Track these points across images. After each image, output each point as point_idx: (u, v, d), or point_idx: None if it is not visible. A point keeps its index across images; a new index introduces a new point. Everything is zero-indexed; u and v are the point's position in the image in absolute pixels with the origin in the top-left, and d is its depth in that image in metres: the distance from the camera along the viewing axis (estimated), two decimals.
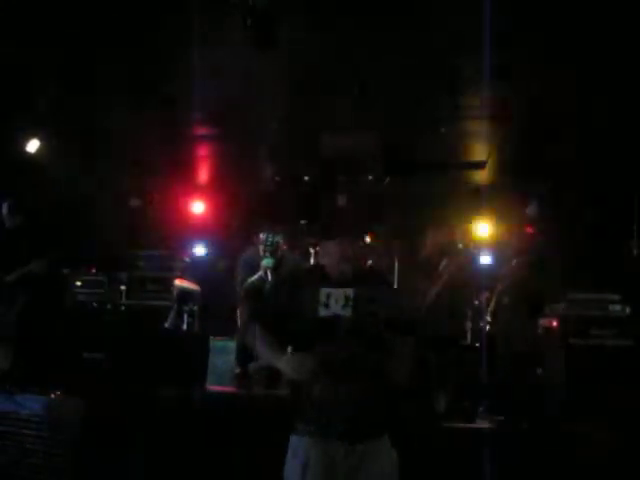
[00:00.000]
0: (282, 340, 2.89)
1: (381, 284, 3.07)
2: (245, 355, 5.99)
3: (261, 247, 5.99)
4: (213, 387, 5.94)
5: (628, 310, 5.84)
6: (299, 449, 2.76)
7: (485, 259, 8.56)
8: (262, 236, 6.00)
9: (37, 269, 6.21)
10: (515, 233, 7.77)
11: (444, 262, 6.57)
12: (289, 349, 2.86)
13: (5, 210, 6.36)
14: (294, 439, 2.81)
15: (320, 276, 2.93)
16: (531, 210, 7.77)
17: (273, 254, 5.92)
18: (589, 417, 4.86)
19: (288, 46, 5.48)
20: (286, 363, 2.78)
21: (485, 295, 6.79)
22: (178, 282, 7.64)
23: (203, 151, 8.98)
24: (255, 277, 5.95)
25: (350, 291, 2.80)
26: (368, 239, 6.38)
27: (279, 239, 6.02)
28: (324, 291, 2.81)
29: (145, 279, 7.62)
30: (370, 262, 6.62)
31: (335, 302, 2.78)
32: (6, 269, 6.13)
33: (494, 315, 6.64)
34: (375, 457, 2.71)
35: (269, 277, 5.83)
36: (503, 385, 5.72)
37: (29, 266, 6.17)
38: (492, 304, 6.67)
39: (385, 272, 6.95)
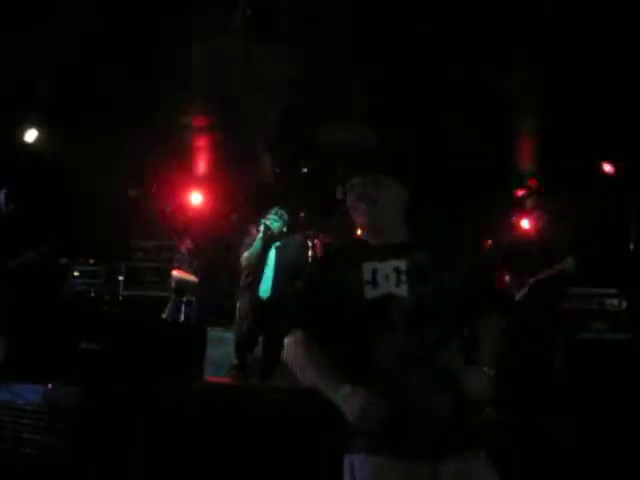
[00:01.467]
0: (330, 345, 2.21)
1: (449, 248, 2.29)
2: (243, 346, 6.01)
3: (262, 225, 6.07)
4: (211, 378, 5.95)
5: (624, 304, 5.85)
6: (363, 473, 2.05)
7: None
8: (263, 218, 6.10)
9: (34, 258, 6.20)
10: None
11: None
12: (343, 389, 2.03)
13: (2, 198, 6.35)
14: (353, 460, 2.11)
15: (361, 248, 2.27)
16: (529, 204, 7.76)
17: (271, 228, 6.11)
18: (584, 411, 4.87)
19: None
20: (343, 401, 2.01)
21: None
22: (176, 273, 7.66)
23: (203, 142, 8.96)
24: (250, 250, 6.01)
25: (403, 263, 2.15)
26: None
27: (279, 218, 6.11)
28: (367, 267, 2.16)
29: (143, 270, 7.64)
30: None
31: (385, 279, 2.14)
32: (3, 257, 6.12)
33: None
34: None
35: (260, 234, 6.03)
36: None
37: (25, 255, 6.16)
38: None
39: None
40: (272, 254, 6.07)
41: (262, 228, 6.05)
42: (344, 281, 2.17)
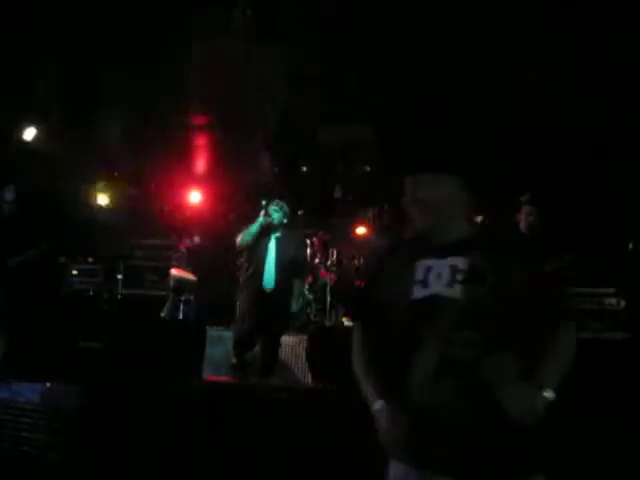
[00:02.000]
0: (381, 345, 2.15)
1: (517, 249, 2.07)
2: (242, 345, 6.01)
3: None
4: (210, 377, 5.95)
5: (623, 303, 5.86)
6: (391, 478, 2.04)
7: None
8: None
9: (33, 257, 6.20)
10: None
11: None
12: (377, 403, 2.06)
13: (10, 197, 6.31)
14: (390, 465, 2.07)
15: (419, 244, 2.11)
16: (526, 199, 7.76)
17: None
18: (582, 411, 4.88)
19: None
20: (375, 414, 2.05)
21: None
22: (175, 272, 7.66)
23: (201, 141, 8.97)
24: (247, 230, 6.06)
25: (461, 260, 1.97)
26: None
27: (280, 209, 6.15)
28: (422, 264, 2.03)
29: (142, 269, 7.63)
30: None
31: (437, 278, 1.98)
32: (3, 256, 6.12)
33: None
34: None
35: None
36: None
37: (25, 254, 6.16)
38: None
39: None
40: (272, 245, 6.06)
41: (262, 212, 6.06)
42: (398, 278, 2.06)
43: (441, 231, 2.07)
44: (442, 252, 2.01)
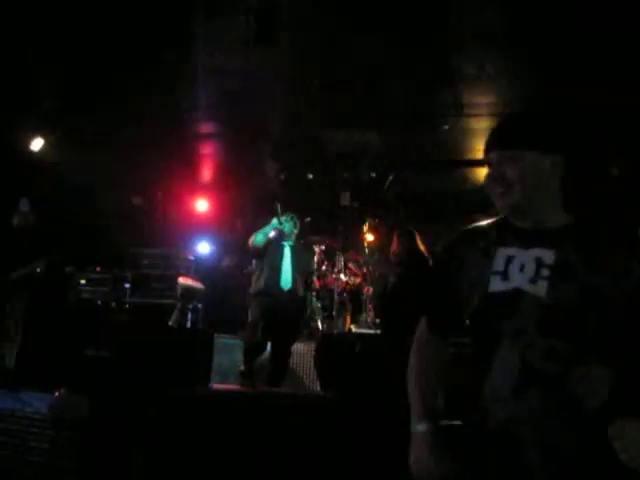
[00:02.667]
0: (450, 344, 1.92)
1: (616, 245, 1.69)
2: (252, 353, 6.01)
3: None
4: (217, 385, 5.94)
5: None
6: None
7: None
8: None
9: (40, 268, 6.21)
10: None
11: None
12: (420, 424, 1.78)
13: (26, 208, 6.30)
14: None
15: (502, 229, 1.81)
16: None
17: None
18: None
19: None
20: (412, 436, 1.78)
21: None
22: (182, 280, 7.67)
23: (207, 149, 8.98)
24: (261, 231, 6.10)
25: (548, 254, 1.68)
26: None
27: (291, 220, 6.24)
28: (502, 253, 1.74)
29: (149, 277, 7.65)
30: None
31: (519, 270, 1.70)
32: (10, 267, 6.14)
33: None
34: None
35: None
36: None
37: (32, 264, 6.17)
38: None
39: None
40: (287, 251, 6.13)
41: (275, 219, 6.12)
42: (473, 267, 1.78)
43: (528, 217, 1.76)
44: (527, 241, 1.72)
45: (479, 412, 1.68)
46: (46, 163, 7.83)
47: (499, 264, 1.73)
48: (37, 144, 7.80)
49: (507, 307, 1.67)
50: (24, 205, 6.31)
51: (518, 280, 1.68)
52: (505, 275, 1.70)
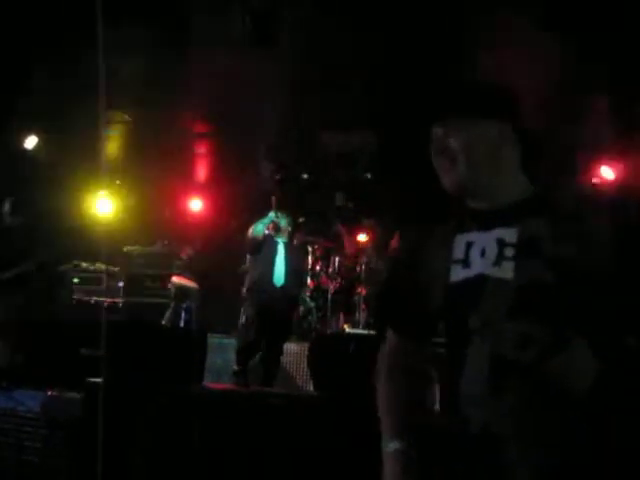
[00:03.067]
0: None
1: (582, 217, 1.52)
2: (245, 352, 6.01)
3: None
4: (211, 384, 5.94)
5: None
6: None
7: None
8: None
9: (32, 267, 6.20)
10: None
11: None
12: (392, 442, 1.61)
13: (7, 209, 6.32)
14: None
15: (459, 215, 1.65)
16: None
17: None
18: None
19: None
20: (384, 457, 1.62)
21: None
22: (176, 279, 7.66)
23: (202, 149, 8.98)
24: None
25: (510, 233, 1.50)
26: None
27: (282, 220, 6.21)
28: (461, 239, 1.57)
29: (143, 276, 7.64)
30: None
31: (480, 255, 1.52)
32: (2, 267, 6.12)
33: None
34: None
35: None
36: None
37: (24, 264, 6.16)
38: None
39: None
40: (281, 247, 6.13)
41: (272, 213, 6.13)
42: (432, 261, 1.62)
43: (480, 194, 1.58)
44: (486, 222, 1.54)
45: (458, 417, 1.52)
46: (39, 161, 7.81)
47: (459, 252, 1.55)
48: (31, 142, 7.79)
49: (471, 296, 1.50)
50: (5, 206, 6.31)
51: (480, 265, 1.51)
52: (466, 262, 1.53)
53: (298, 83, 6.47)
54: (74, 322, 6.27)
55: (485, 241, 1.52)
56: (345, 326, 7.79)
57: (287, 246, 6.20)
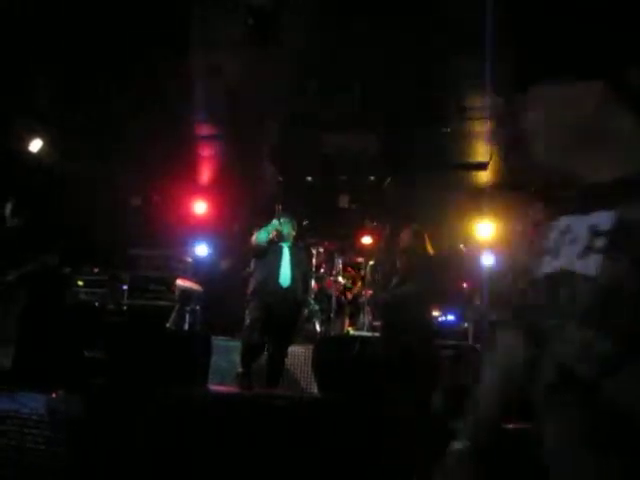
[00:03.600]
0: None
1: None
2: (250, 354, 6.00)
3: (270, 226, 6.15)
4: (215, 387, 5.94)
5: None
6: None
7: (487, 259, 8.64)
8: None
9: (36, 269, 6.21)
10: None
11: None
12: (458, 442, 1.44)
13: (8, 210, 6.34)
14: None
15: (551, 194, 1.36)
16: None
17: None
18: None
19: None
20: (449, 455, 1.45)
21: None
22: (180, 282, 7.66)
23: (206, 151, 8.97)
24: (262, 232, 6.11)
25: (605, 216, 1.18)
26: None
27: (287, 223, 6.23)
28: (556, 225, 1.28)
29: (147, 279, 7.64)
30: None
31: (569, 244, 1.23)
32: (5, 268, 6.13)
33: None
34: None
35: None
36: None
37: (28, 266, 6.17)
38: None
39: None
40: (286, 250, 6.13)
41: (275, 220, 6.13)
42: (529, 249, 1.36)
43: (585, 170, 1.26)
44: (585, 203, 1.23)
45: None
46: (44, 164, 7.82)
47: (551, 240, 1.28)
48: (35, 145, 7.80)
49: (552, 294, 1.23)
50: (6, 208, 6.31)
51: (566, 257, 1.22)
52: (557, 252, 1.25)
53: (301, 84, 6.47)
54: (78, 324, 6.28)
55: (579, 227, 1.22)
56: (349, 329, 7.78)
57: (291, 249, 6.20)
